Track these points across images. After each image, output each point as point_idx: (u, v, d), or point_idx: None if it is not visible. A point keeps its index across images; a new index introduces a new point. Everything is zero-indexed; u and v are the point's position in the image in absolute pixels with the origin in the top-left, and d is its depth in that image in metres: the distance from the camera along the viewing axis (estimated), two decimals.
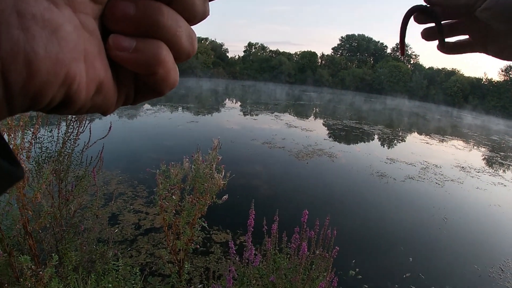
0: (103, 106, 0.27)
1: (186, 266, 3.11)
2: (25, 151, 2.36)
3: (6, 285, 2.24)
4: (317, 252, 2.70)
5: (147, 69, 0.26)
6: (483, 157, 15.27)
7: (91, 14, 0.24)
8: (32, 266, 1.87)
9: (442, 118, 35.88)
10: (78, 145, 3.02)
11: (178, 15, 0.27)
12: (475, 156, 15.25)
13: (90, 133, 3.08)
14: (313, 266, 2.66)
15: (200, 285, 3.61)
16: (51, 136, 2.86)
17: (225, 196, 2.96)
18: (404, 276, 4.49)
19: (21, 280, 1.86)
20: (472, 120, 40.51)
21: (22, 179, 0.21)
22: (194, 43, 0.29)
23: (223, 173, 2.97)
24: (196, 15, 0.28)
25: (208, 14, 0.29)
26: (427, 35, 0.61)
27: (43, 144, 2.77)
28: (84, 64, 0.23)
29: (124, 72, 0.27)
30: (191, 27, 0.29)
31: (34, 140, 2.58)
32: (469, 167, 12.18)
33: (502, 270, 5.11)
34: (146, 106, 17.97)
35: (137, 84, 0.30)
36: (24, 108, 0.21)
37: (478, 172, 11.69)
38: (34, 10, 0.19)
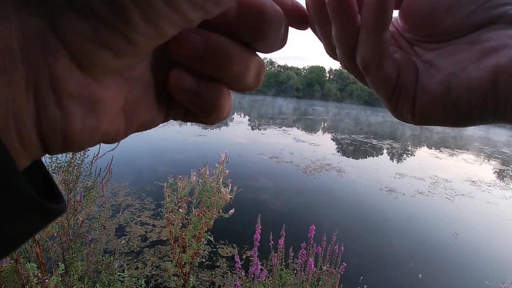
0: (143, 131, 0.28)
1: (192, 280, 3.10)
2: None
3: None
4: (324, 268, 2.68)
5: (202, 112, 0.27)
6: (494, 171, 15.09)
7: (136, 65, 0.24)
8: (39, 274, 1.88)
9: (452, 131, 35.65)
10: (87, 156, 3.05)
11: (251, 55, 0.26)
12: (486, 169, 15.07)
13: (100, 145, 3.11)
14: (320, 282, 2.64)
15: None
16: None
17: (231, 210, 2.95)
18: None
19: (27, 287, 1.86)
20: (482, 133, 40.19)
21: (64, 213, 0.21)
22: (261, 78, 0.28)
23: (230, 187, 2.97)
24: (273, 46, 0.27)
25: (285, 43, 0.28)
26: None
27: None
28: (123, 115, 0.24)
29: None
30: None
31: None
32: (480, 181, 12.04)
33: None
34: None
35: (188, 111, 0.29)
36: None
37: (489, 186, 11.55)
38: (70, 88, 0.19)
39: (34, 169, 0.22)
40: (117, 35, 0.19)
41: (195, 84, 0.24)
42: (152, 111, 0.26)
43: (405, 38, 0.32)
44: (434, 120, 0.28)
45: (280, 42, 0.27)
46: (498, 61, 0.24)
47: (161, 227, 5.14)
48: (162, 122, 0.29)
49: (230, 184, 3.00)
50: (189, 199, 2.97)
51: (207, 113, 0.27)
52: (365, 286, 3.96)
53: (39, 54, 0.18)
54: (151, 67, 0.25)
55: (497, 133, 42.95)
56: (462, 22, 0.26)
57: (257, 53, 0.27)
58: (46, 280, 1.87)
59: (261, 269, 2.58)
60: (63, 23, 0.18)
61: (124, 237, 4.71)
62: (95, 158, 3.12)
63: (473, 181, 11.78)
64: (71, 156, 2.90)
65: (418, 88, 0.28)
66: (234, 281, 2.51)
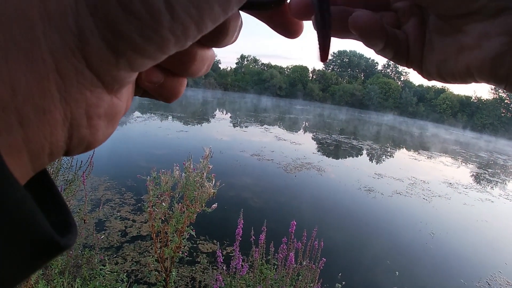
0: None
1: (173, 274, 3.10)
2: None
3: None
4: (304, 263, 2.71)
5: (164, 99, 0.30)
6: (471, 174, 15.48)
7: None
8: None
9: (431, 135, 36.28)
10: None
11: (208, 51, 0.29)
12: (463, 172, 15.44)
13: None
14: (300, 277, 2.67)
15: None
16: None
17: (214, 205, 2.97)
18: None
19: None
20: (460, 137, 41.08)
21: (71, 246, 0.22)
22: (210, 67, 0.31)
23: (213, 181, 2.98)
24: (228, 44, 0.29)
25: (236, 39, 0.30)
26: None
27: None
28: None
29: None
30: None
31: None
32: (456, 183, 12.33)
33: (488, 284, 5.16)
34: (136, 113, 17.94)
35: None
36: None
37: (466, 188, 11.84)
38: (101, 112, 0.23)
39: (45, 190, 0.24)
40: (149, 59, 0.22)
41: (161, 77, 0.28)
42: (132, 98, 0.29)
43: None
44: (439, 82, 0.34)
45: (233, 41, 0.29)
46: (470, 61, 0.28)
47: (141, 222, 5.11)
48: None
49: (214, 179, 3.01)
50: (171, 193, 2.97)
51: (168, 100, 0.30)
52: (343, 282, 4.02)
53: (77, 91, 0.20)
54: None
55: (486, 140, 44.03)
56: (450, 10, 0.28)
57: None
58: None
59: (242, 265, 2.60)
60: (101, 61, 0.20)
61: (103, 232, 4.66)
62: None
63: (450, 183, 12.06)
64: None
65: (422, 63, 0.33)
66: (216, 275, 2.52)
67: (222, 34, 0.27)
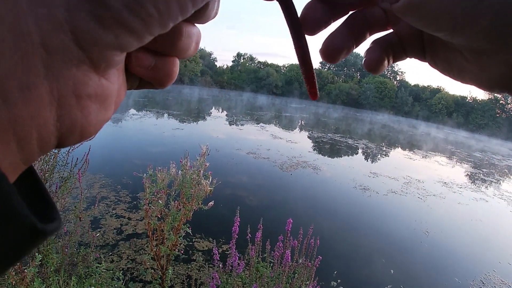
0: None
1: (170, 271, 3.09)
2: None
3: None
4: (300, 261, 2.71)
5: (159, 83, 0.30)
6: (465, 173, 15.55)
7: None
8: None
9: (426, 134, 36.40)
10: None
11: (193, 28, 0.29)
12: (457, 172, 15.51)
13: None
14: (296, 275, 2.67)
15: None
16: None
17: (211, 202, 2.96)
18: None
19: (6, 277, 1.83)
20: (455, 137, 41.19)
21: (55, 232, 0.21)
22: (199, 45, 0.31)
23: (210, 179, 2.98)
24: (209, 19, 0.29)
25: (217, 13, 0.30)
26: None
27: None
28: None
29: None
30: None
31: None
32: (451, 182, 12.38)
33: (483, 283, 5.19)
34: (132, 111, 17.87)
35: (141, 80, 0.32)
36: None
37: (460, 188, 11.90)
38: (89, 91, 0.22)
39: (28, 181, 0.23)
40: (135, 37, 0.22)
41: (153, 60, 0.28)
42: (125, 88, 0.29)
43: None
44: None
45: (214, 16, 0.30)
46: (471, 80, 0.31)
47: (136, 220, 5.10)
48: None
49: (211, 177, 3.00)
50: (168, 191, 2.96)
51: (164, 83, 0.30)
52: (339, 280, 4.04)
53: (63, 67, 0.20)
54: None
55: (481, 140, 44.21)
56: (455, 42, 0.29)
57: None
58: (25, 270, 1.84)
59: (238, 263, 2.59)
60: (88, 35, 0.20)
61: (99, 229, 4.65)
62: (72, 148, 3.07)
63: (445, 183, 12.11)
64: None
65: (425, 57, 0.34)
66: (212, 273, 2.52)
67: (202, 8, 0.27)
